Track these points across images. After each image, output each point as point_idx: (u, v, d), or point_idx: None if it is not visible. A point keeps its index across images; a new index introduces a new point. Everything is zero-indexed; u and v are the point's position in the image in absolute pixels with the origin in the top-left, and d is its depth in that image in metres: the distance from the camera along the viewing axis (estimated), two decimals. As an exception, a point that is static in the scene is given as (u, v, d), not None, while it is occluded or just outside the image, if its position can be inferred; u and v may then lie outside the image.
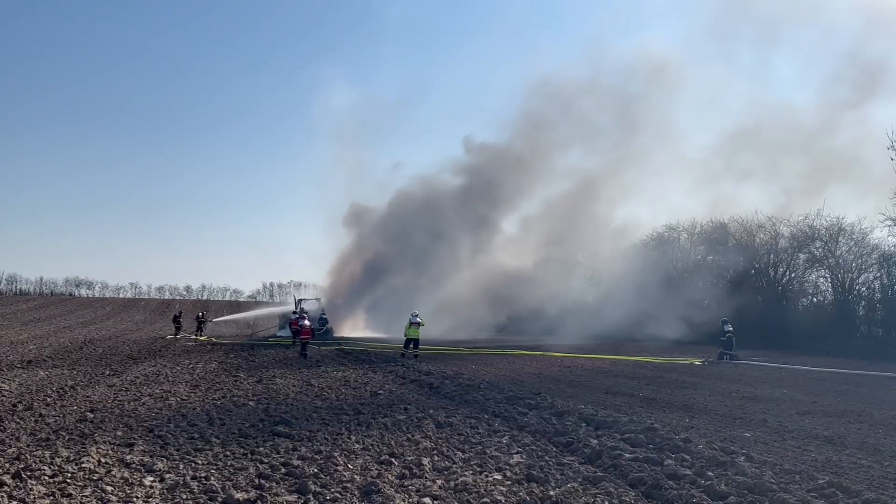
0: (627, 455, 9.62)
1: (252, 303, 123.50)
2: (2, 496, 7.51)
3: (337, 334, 47.63)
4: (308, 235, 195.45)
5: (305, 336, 29.31)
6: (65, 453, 9.61)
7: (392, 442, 10.78)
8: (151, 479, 8.39)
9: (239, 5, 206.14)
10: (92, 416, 12.87)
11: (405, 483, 8.36)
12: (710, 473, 8.63)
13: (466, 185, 59.72)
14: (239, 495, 7.67)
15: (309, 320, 40.85)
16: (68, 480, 8.17)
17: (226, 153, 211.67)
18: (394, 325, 48.65)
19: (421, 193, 61.40)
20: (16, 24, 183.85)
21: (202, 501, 7.54)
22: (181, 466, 9.04)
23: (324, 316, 45.59)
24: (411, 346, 28.51)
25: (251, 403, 14.84)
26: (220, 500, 7.57)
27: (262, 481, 8.31)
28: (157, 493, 7.81)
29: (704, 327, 39.37)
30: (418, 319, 28.96)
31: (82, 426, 11.80)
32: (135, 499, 7.54)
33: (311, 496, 7.69)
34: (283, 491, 7.94)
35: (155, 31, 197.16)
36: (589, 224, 57.09)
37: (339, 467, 8.95)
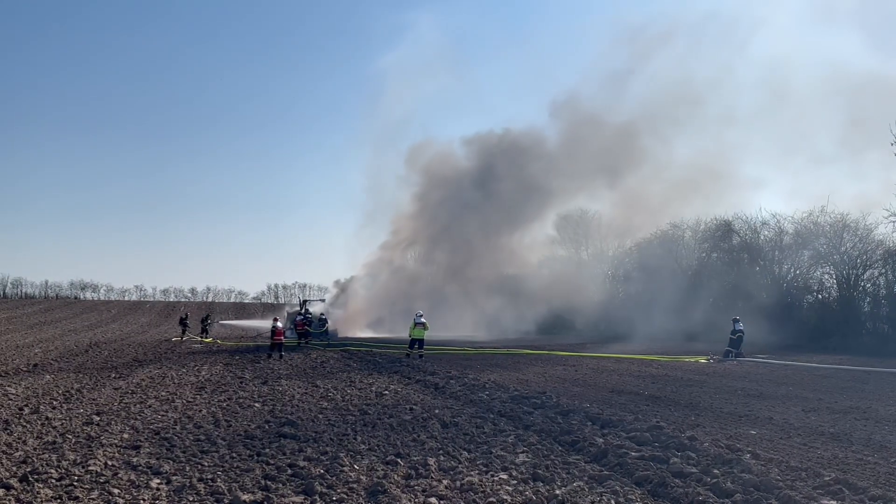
0: (633, 453, 9.61)
1: (257, 304, 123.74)
2: (9, 499, 7.54)
3: (342, 335, 47.69)
4: (311, 236, 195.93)
5: (278, 338, 29.61)
6: (71, 456, 9.65)
7: (398, 442, 10.80)
8: (158, 481, 8.42)
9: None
10: (98, 419, 12.92)
11: (411, 483, 8.37)
12: (715, 471, 8.62)
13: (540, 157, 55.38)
14: (245, 497, 7.69)
15: (309, 321, 41.11)
16: (75, 483, 8.20)
17: (231, 153, 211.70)
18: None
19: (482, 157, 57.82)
20: (23, 25, 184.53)
21: (209, 503, 7.57)
22: (187, 468, 9.07)
23: (323, 317, 45.63)
24: (416, 346, 28.52)
25: (257, 405, 14.88)
26: (226, 501, 7.59)
27: (269, 482, 8.33)
28: (164, 495, 7.84)
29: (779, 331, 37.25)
30: (423, 320, 28.99)
31: (88, 429, 11.85)
32: (141, 501, 7.57)
33: (317, 497, 7.71)
34: (289, 492, 7.96)
35: (159, 29, 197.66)
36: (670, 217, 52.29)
37: (345, 468, 8.97)
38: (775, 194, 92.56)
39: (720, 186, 51.36)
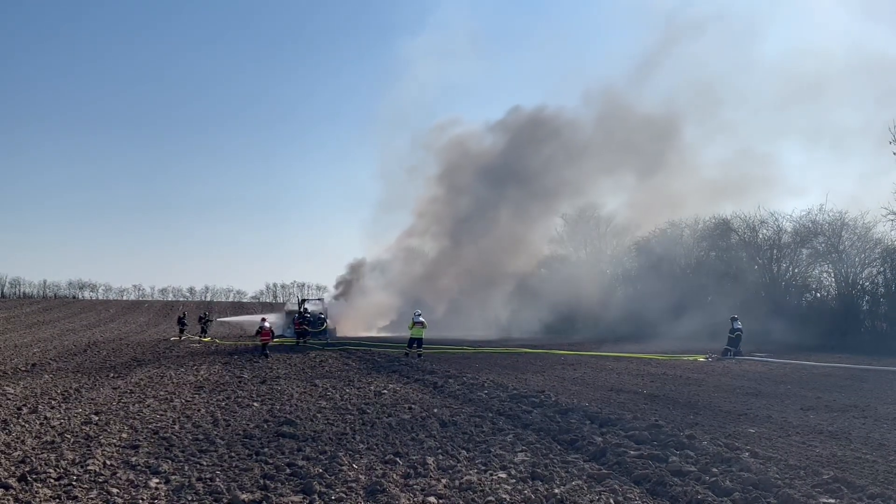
0: (632, 452, 9.62)
1: (255, 303, 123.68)
2: (8, 499, 7.53)
3: (340, 334, 47.70)
4: (311, 236, 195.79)
5: (265, 338, 29.54)
6: (70, 456, 9.64)
7: (397, 441, 10.79)
8: (157, 480, 8.41)
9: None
10: (97, 418, 12.91)
11: (410, 482, 8.37)
12: (714, 470, 8.62)
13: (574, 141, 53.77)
14: (244, 496, 7.68)
15: (308, 320, 41.12)
16: (74, 483, 8.20)
17: (229, 152, 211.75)
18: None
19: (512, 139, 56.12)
20: (24, 23, 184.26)
21: (207, 502, 7.56)
22: (186, 468, 9.06)
23: (322, 316, 45.66)
24: (415, 345, 28.50)
25: (255, 404, 14.88)
26: (225, 500, 7.59)
27: (268, 482, 8.32)
28: (163, 494, 7.83)
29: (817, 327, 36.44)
30: (421, 318, 28.97)
31: (87, 429, 11.84)
32: (140, 500, 7.57)
33: (316, 496, 7.71)
34: (288, 491, 7.96)
35: (154, 24, 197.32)
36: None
37: (343, 467, 8.97)
38: (810, 194, 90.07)
39: (754, 187, 50.60)
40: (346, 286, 60.55)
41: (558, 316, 51.80)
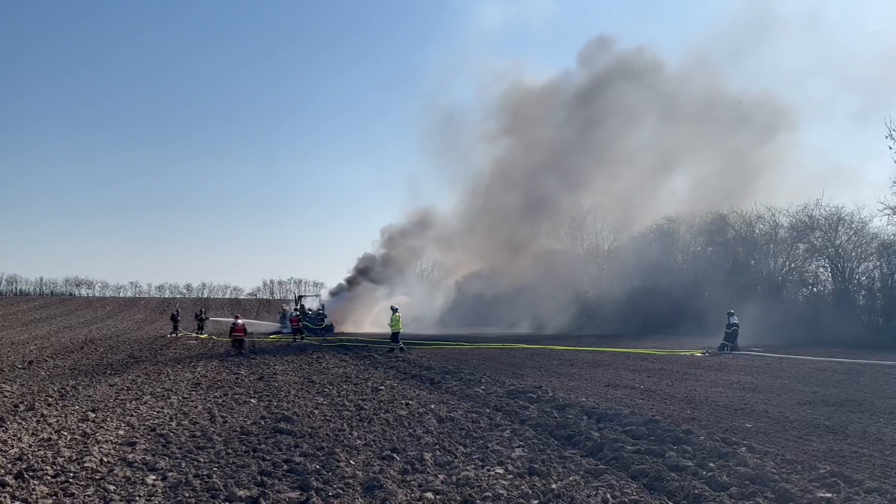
0: (629, 447, 9.63)
1: (252, 300, 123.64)
2: (5, 496, 7.51)
3: (338, 330, 47.68)
4: (309, 233, 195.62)
5: (238, 334, 29.72)
6: (67, 453, 9.62)
7: (394, 437, 10.80)
8: (154, 477, 8.40)
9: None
10: (93, 415, 12.88)
11: (407, 478, 8.37)
12: (711, 465, 8.64)
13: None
14: (241, 492, 7.68)
15: (307, 316, 41.19)
16: (71, 480, 8.18)
17: (226, 149, 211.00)
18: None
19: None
20: (22, 23, 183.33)
21: (205, 499, 7.55)
22: (183, 465, 9.05)
23: (321, 312, 45.65)
24: (398, 339, 28.73)
25: (252, 401, 14.86)
26: (222, 497, 7.58)
27: (265, 478, 8.32)
28: (160, 491, 7.82)
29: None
30: (399, 313, 29.26)
31: (84, 426, 11.82)
32: (137, 497, 7.55)
33: (313, 492, 7.70)
34: (285, 488, 7.95)
35: (149, 22, 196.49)
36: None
37: (340, 463, 8.96)
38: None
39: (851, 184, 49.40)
40: (368, 274, 58.79)
41: (584, 310, 51.27)
